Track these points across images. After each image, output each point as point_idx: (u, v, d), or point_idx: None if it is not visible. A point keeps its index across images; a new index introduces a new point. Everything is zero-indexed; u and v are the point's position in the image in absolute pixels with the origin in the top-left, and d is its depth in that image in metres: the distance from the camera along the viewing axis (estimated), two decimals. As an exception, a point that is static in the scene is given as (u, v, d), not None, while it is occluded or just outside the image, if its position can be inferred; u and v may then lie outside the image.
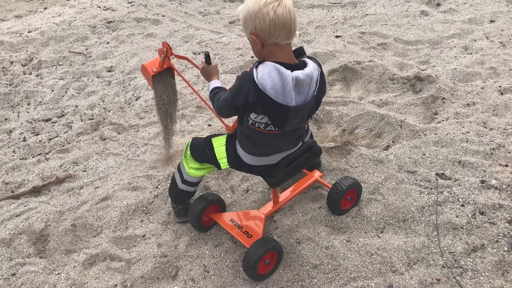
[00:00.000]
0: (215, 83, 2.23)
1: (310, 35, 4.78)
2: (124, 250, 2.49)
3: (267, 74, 1.75)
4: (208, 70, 2.32)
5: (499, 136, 2.90)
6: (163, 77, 2.76)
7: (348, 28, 4.89)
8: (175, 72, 2.79)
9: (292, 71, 1.78)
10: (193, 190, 2.51)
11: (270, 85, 1.74)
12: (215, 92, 2.12)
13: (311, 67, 1.84)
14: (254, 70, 1.79)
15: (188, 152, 2.36)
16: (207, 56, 2.34)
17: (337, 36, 4.65)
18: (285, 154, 2.13)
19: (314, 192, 2.70)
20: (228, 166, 2.21)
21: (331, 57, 4.12)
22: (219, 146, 2.21)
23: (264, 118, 1.87)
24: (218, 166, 2.25)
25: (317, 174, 2.64)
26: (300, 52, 1.93)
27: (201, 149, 2.30)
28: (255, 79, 1.76)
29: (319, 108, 3.22)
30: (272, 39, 1.77)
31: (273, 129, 1.92)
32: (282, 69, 1.75)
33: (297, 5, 5.79)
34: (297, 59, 1.89)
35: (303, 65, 1.85)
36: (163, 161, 3.04)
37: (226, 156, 2.20)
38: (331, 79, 3.86)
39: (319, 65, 1.91)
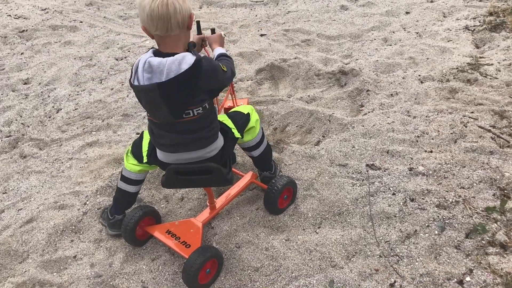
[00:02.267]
0: (219, 50, 2.31)
1: (235, 35, 4.76)
2: (55, 274, 2.34)
3: (141, 58, 1.87)
4: (210, 38, 2.42)
5: (422, 124, 3.02)
6: None
7: (272, 26, 4.92)
8: None
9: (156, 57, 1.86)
10: (131, 190, 2.40)
11: (135, 68, 1.88)
12: (226, 59, 2.20)
13: (175, 57, 1.81)
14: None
15: (129, 148, 2.36)
16: (198, 25, 2.42)
17: (261, 35, 4.66)
18: (187, 155, 2.05)
19: (250, 193, 2.67)
20: (147, 160, 2.20)
21: (258, 56, 4.12)
22: (146, 139, 2.24)
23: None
24: (141, 159, 2.25)
25: (252, 175, 2.61)
26: (189, 46, 1.97)
27: (137, 145, 2.31)
28: (136, 62, 1.89)
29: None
30: (152, 30, 1.85)
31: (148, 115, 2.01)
32: (144, 54, 1.88)
33: (220, 4, 5.75)
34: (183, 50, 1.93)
35: (173, 55, 1.87)
36: None
37: (147, 149, 2.20)
38: (259, 78, 3.86)
39: (198, 61, 1.81)
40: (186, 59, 1.81)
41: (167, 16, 1.80)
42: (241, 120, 2.32)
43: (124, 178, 2.37)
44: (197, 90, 1.88)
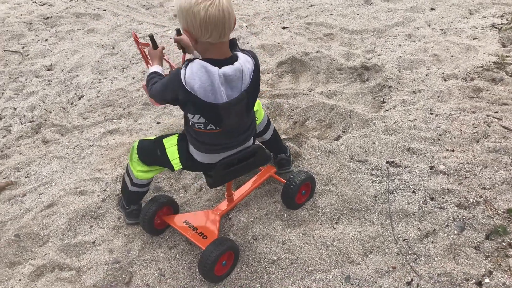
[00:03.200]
0: (154, 68, 2.15)
1: (257, 27, 4.74)
2: (74, 258, 2.38)
3: (195, 74, 1.70)
4: (151, 53, 2.24)
5: (445, 122, 2.98)
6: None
7: (294, 19, 4.89)
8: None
9: (221, 67, 1.72)
10: (145, 190, 2.43)
11: (198, 85, 1.70)
12: (151, 77, 2.05)
13: (242, 61, 1.77)
14: (183, 69, 1.73)
15: (135, 155, 2.25)
16: (151, 39, 2.23)
17: (284, 28, 4.63)
18: (236, 150, 2.06)
19: (268, 186, 2.67)
20: (181, 167, 2.13)
21: (279, 49, 4.11)
22: (171, 147, 2.12)
23: (201, 118, 1.83)
24: (171, 167, 2.14)
25: (271, 169, 2.61)
26: (232, 44, 1.85)
27: (150, 152, 2.20)
28: (183, 79, 1.71)
29: (271, 101, 3.21)
30: (203, 38, 1.70)
31: (214, 128, 1.87)
32: (209, 66, 1.70)
33: (243, -4, 5.73)
34: (230, 52, 1.83)
35: (234, 59, 1.78)
36: None
37: (178, 156, 2.10)
38: (280, 71, 3.84)
39: (254, 58, 1.84)
40: (248, 59, 1.79)
41: (223, 22, 1.67)
42: None
43: (136, 185, 2.34)
44: (258, 85, 1.88)
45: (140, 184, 2.34)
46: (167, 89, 1.83)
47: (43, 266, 2.32)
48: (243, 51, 1.85)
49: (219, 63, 1.73)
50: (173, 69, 2.06)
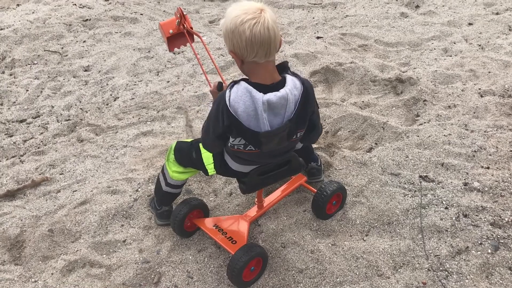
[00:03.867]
0: None
1: (291, 36, 4.76)
2: (104, 256, 2.42)
3: (240, 97, 1.69)
4: (215, 95, 2.16)
5: (480, 139, 2.93)
6: (179, 39, 2.69)
7: (328, 29, 4.89)
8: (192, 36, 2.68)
9: (266, 92, 1.69)
10: (178, 191, 2.46)
11: (242, 109, 1.69)
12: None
13: (289, 87, 1.72)
14: (228, 91, 1.72)
15: (172, 156, 2.29)
16: (220, 85, 2.16)
17: (318, 37, 4.64)
18: (268, 164, 2.05)
19: (298, 195, 2.67)
20: (215, 172, 2.14)
21: (313, 58, 4.11)
22: (207, 152, 2.13)
23: (241, 140, 1.82)
24: (205, 171, 2.17)
25: (301, 178, 2.61)
26: (283, 67, 1.83)
27: (186, 154, 2.22)
28: (227, 101, 1.70)
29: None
30: (250, 57, 1.70)
31: (253, 149, 1.85)
32: (254, 92, 1.68)
33: (278, 5, 5.76)
34: (280, 75, 1.81)
35: (281, 84, 1.75)
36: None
37: (213, 162, 2.12)
38: (313, 81, 3.84)
39: (303, 83, 1.79)
40: (295, 83, 1.75)
41: (269, 41, 1.66)
42: None
43: (170, 185, 2.37)
44: (307, 113, 1.84)
45: (173, 185, 2.37)
46: (218, 119, 1.77)
47: (75, 261, 2.36)
48: (294, 74, 1.81)
49: (265, 89, 1.71)
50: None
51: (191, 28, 2.61)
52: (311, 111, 1.87)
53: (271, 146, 1.82)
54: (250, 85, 1.70)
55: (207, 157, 2.13)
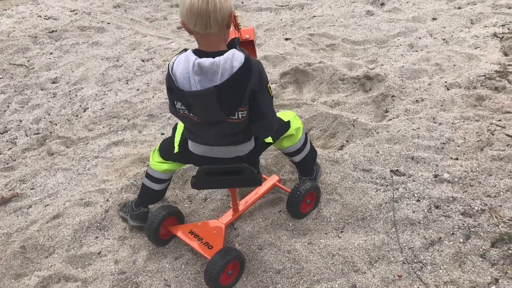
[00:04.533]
0: None
1: (260, 39, 4.78)
2: (80, 269, 2.38)
3: (180, 61, 1.80)
4: None
5: (448, 131, 2.99)
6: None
7: (296, 30, 4.93)
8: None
9: (202, 57, 1.78)
10: (156, 188, 2.41)
11: (179, 71, 1.80)
12: None
13: (225, 57, 1.76)
14: (175, 57, 1.85)
15: (157, 147, 2.36)
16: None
17: (286, 39, 4.67)
18: (219, 150, 2.04)
19: (273, 196, 2.68)
20: (177, 149, 2.17)
21: (282, 60, 4.14)
22: (180, 129, 2.22)
23: (182, 106, 1.89)
24: (173, 149, 2.20)
25: (275, 178, 2.62)
26: (232, 43, 1.89)
27: (168, 143, 2.27)
28: (171, 65, 1.84)
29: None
30: (191, 27, 1.78)
31: (194, 116, 1.90)
32: (190, 55, 1.79)
33: (245, 8, 5.78)
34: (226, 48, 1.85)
35: (222, 54, 1.79)
36: None
37: (180, 139, 2.18)
38: (284, 82, 3.87)
39: (248, 59, 1.79)
40: (236, 56, 1.77)
41: (207, 13, 1.72)
42: (279, 127, 2.25)
43: (148, 176, 2.39)
44: (246, 89, 1.82)
45: (152, 177, 2.36)
46: (167, 81, 1.91)
47: (49, 277, 2.32)
48: (241, 50, 1.82)
49: (203, 54, 1.79)
50: None
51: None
52: (252, 90, 1.83)
53: (203, 113, 1.86)
54: (192, 52, 1.81)
55: (178, 135, 2.21)
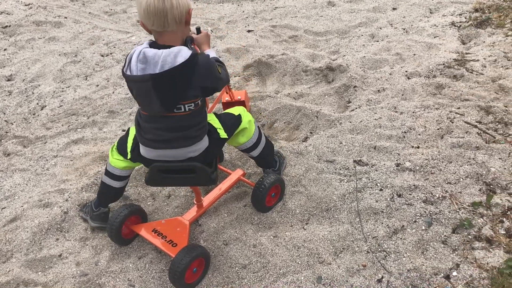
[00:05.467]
0: (211, 52, 2.17)
1: (222, 31, 4.73)
2: (40, 273, 2.30)
3: (135, 49, 1.84)
4: (198, 40, 2.25)
5: (409, 120, 3.03)
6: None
7: (259, 22, 4.90)
8: None
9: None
10: (116, 186, 2.37)
11: (129, 58, 1.85)
12: (218, 64, 2.08)
13: (171, 50, 1.79)
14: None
15: (115, 144, 2.31)
16: (198, 30, 2.29)
17: (249, 31, 4.64)
18: (170, 152, 2.01)
19: (238, 190, 2.66)
20: (130, 156, 2.17)
21: (245, 52, 4.10)
22: (131, 135, 2.21)
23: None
24: (126, 154, 2.22)
25: (239, 173, 2.60)
26: (185, 41, 1.96)
27: (123, 141, 2.27)
28: (131, 52, 1.87)
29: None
30: (149, 26, 1.85)
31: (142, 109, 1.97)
32: (140, 45, 1.85)
33: (207, 0, 5.71)
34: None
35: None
36: None
37: (131, 146, 2.18)
38: (247, 74, 3.84)
39: (193, 56, 1.80)
40: (182, 53, 1.79)
41: (163, 12, 1.78)
42: (231, 121, 2.28)
43: (108, 173, 2.34)
44: (190, 85, 1.85)
45: (111, 174, 2.32)
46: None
47: (7, 283, 2.24)
48: (191, 48, 1.88)
49: (154, 45, 1.86)
50: None
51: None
52: (204, 87, 1.90)
53: (142, 102, 1.91)
54: (147, 42, 1.87)
55: (130, 141, 2.20)
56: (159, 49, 1.81)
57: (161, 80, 1.80)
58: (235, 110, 2.37)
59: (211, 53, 2.14)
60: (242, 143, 2.40)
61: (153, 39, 1.92)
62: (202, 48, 2.24)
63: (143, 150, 2.08)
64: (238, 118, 2.33)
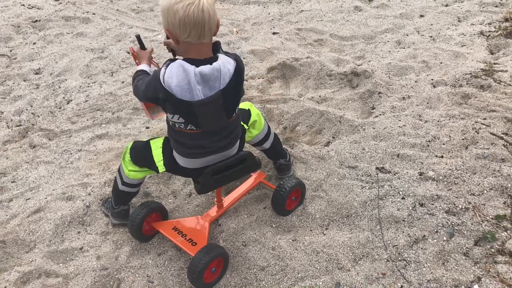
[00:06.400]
0: (142, 66, 2.18)
1: (247, 32, 4.74)
2: (61, 265, 2.34)
3: (173, 73, 1.73)
4: (139, 54, 2.26)
5: (434, 128, 3.00)
6: None
7: (284, 24, 4.90)
8: None
9: (198, 66, 1.74)
10: (135, 191, 2.40)
11: (175, 83, 1.73)
12: (138, 75, 2.08)
13: (221, 61, 1.77)
14: (163, 69, 1.76)
15: (128, 155, 2.25)
16: (138, 39, 2.27)
17: (274, 33, 4.64)
18: (220, 156, 2.04)
19: (258, 192, 2.66)
20: (165, 169, 2.13)
21: (269, 54, 4.11)
22: (157, 149, 2.14)
23: (180, 118, 1.84)
24: (156, 169, 2.15)
25: (260, 175, 2.61)
26: (215, 47, 1.88)
27: (141, 153, 2.20)
28: (161, 78, 1.74)
29: (261, 107, 3.20)
30: (183, 37, 1.73)
31: (194, 128, 1.87)
32: (187, 65, 1.72)
33: (233, 1, 5.73)
34: (213, 54, 1.85)
35: (214, 60, 1.79)
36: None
37: (162, 159, 2.12)
38: (270, 77, 3.84)
39: (236, 61, 1.83)
40: (228, 60, 1.80)
41: (202, 23, 1.69)
42: (243, 114, 2.34)
43: (126, 184, 2.33)
44: (241, 88, 1.88)
45: (130, 184, 2.32)
46: (149, 88, 1.84)
47: (29, 272, 2.28)
48: (227, 53, 1.85)
49: (198, 63, 1.75)
50: None
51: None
52: (243, 89, 1.92)
53: (209, 121, 1.85)
54: (184, 61, 1.75)
55: (157, 154, 2.13)
56: (203, 64, 1.75)
57: (228, 93, 1.79)
58: (244, 105, 2.41)
59: (143, 67, 2.17)
60: (255, 136, 2.44)
61: (176, 56, 1.86)
62: (140, 63, 2.23)
63: (186, 161, 2.04)
64: (248, 111, 2.39)
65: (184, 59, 1.76)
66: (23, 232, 2.51)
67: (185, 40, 1.74)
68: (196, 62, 1.75)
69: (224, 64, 1.77)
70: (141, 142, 2.24)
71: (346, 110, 3.34)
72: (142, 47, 2.28)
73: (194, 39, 1.73)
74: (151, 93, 1.82)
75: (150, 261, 2.30)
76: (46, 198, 2.72)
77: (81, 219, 2.57)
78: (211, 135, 1.94)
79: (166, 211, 2.47)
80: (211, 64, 1.75)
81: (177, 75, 1.72)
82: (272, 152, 2.63)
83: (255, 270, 2.22)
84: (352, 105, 3.38)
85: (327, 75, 3.76)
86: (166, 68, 1.76)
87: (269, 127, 2.53)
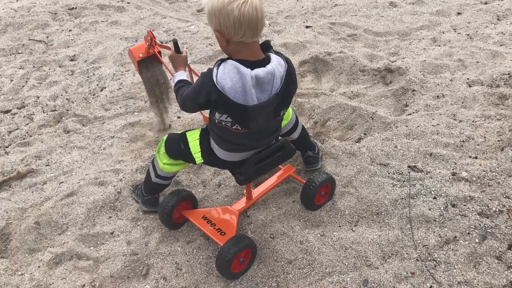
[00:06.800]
0: (180, 75, 2.15)
1: (280, 25, 4.72)
2: (92, 248, 2.39)
3: (227, 74, 1.69)
4: (175, 59, 2.26)
5: (468, 128, 2.94)
6: (149, 63, 2.80)
7: (318, 18, 4.86)
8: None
9: (253, 68, 1.71)
10: (167, 183, 2.45)
11: (229, 85, 1.70)
12: (179, 86, 2.05)
13: (274, 63, 1.75)
14: (215, 69, 1.73)
15: (162, 148, 2.27)
16: (175, 44, 2.27)
17: (307, 27, 4.61)
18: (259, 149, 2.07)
19: (287, 185, 2.66)
20: (203, 161, 2.13)
21: (302, 48, 4.08)
22: (193, 141, 2.14)
23: (228, 118, 1.82)
24: (193, 160, 2.16)
25: (290, 169, 2.60)
26: (266, 46, 1.85)
27: (176, 146, 2.21)
28: (214, 79, 1.71)
29: (293, 100, 3.19)
30: (237, 37, 1.69)
31: (239, 128, 1.86)
32: (242, 68, 1.69)
33: (266, -6, 5.71)
34: (263, 54, 1.82)
35: (266, 61, 1.77)
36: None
37: (200, 150, 2.12)
38: (302, 70, 3.82)
39: (287, 61, 1.82)
40: (279, 61, 1.78)
41: (256, 21, 1.66)
42: None
43: (160, 177, 2.36)
44: (292, 91, 1.87)
45: (163, 177, 2.35)
46: (201, 92, 1.78)
47: (62, 254, 2.34)
48: (277, 53, 1.83)
49: (251, 65, 1.72)
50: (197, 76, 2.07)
51: (159, 51, 2.73)
52: (294, 89, 1.89)
53: (258, 123, 1.84)
54: (237, 62, 1.71)
55: (194, 146, 2.13)
56: (257, 67, 1.72)
57: (280, 96, 1.80)
58: None
59: (181, 75, 2.14)
60: (284, 126, 2.45)
61: (226, 57, 1.80)
62: (177, 70, 2.22)
63: (226, 155, 2.05)
64: None
65: (238, 61, 1.72)
66: (56, 214, 2.57)
67: (238, 40, 1.70)
68: (250, 64, 1.72)
69: (277, 67, 1.75)
70: (177, 134, 2.25)
71: (379, 106, 3.30)
72: (178, 51, 2.27)
73: (248, 38, 1.70)
74: (204, 97, 1.77)
75: (179, 249, 2.33)
76: (79, 182, 2.78)
77: (112, 204, 2.61)
78: (256, 135, 1.94)
79: (196, 200, 2.49)
80: (264, 67, 1.73)
81: (231, 77, 1.69)
82: (301, 143, 2.62)
83: (282, 263, 2.22)
84: (385, 102, 3.34)
85: (360, 71, 3.72)
86: (218, 69, 1.72)
87: (296, 117, 2.53)
